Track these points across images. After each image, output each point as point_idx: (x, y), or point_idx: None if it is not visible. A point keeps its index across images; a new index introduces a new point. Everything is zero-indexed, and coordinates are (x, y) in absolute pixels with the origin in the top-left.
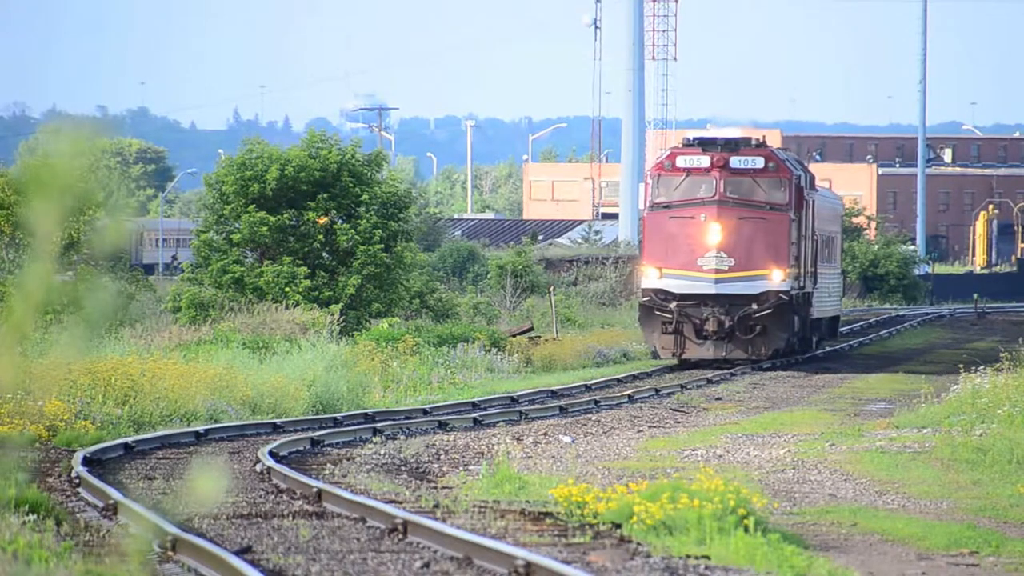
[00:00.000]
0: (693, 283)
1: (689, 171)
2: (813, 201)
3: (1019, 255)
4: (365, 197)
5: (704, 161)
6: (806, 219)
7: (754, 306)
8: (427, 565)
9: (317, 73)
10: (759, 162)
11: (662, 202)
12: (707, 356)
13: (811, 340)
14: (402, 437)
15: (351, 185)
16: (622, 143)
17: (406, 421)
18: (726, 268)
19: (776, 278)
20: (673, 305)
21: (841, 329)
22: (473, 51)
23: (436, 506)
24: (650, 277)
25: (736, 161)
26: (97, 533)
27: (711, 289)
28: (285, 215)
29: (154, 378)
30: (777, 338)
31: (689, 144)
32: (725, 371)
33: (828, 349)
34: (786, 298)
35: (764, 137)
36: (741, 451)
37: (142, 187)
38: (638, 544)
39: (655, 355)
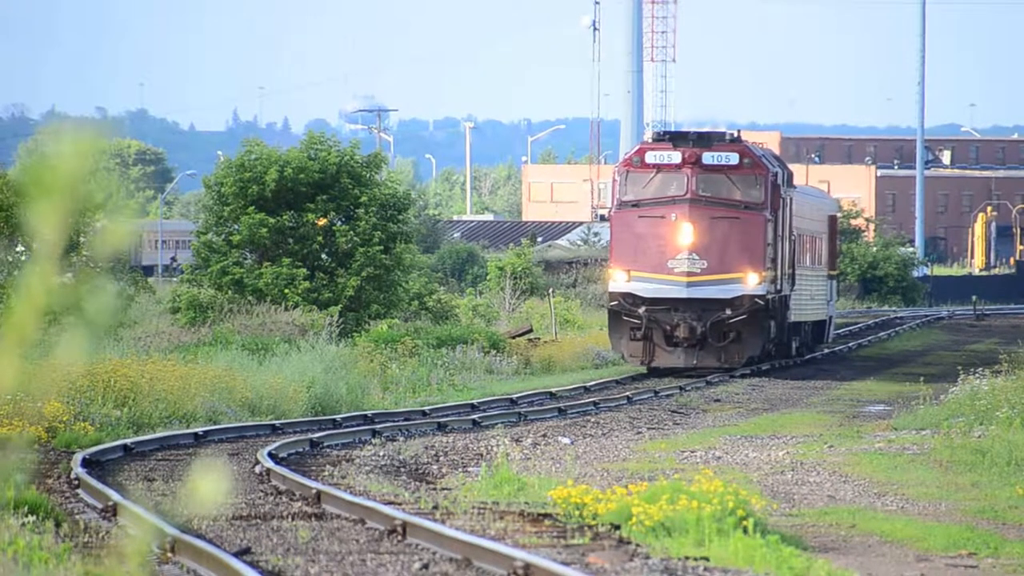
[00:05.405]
0: (663, 287)
1: (659, 167)
2: (791, 199)
3: (1018, 257)
4: (364, 199)
5: (675, 157)
6: (783, 218)
7: (728, 311)
8: (426, 566)
9: (316, 75)
10: (733, 158)
11: (631, 200)
12: (678, 364)
13: (790, 345)
14: (401, 439)
15: (350, 186)
16: (621, 144)
17: (405, 423)
18: (698, 271)
19: (751, 281)
20: (642, 310)
21: (839, 331)
22: (472, 53)
23: (435, 507)
24: (618, 280)
25: (709, 157)
26: (96, 534)
27: (682, 293)
28: (284, 217)
29: (153, 380)
30: (752, 345)
31: (659, 139)
32: (724, 373)
33: (826, 351)
34: (762, 303)
35: (739, 132)
36: (740, 453)
37: (141, 189)
38: (637, 545)
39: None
